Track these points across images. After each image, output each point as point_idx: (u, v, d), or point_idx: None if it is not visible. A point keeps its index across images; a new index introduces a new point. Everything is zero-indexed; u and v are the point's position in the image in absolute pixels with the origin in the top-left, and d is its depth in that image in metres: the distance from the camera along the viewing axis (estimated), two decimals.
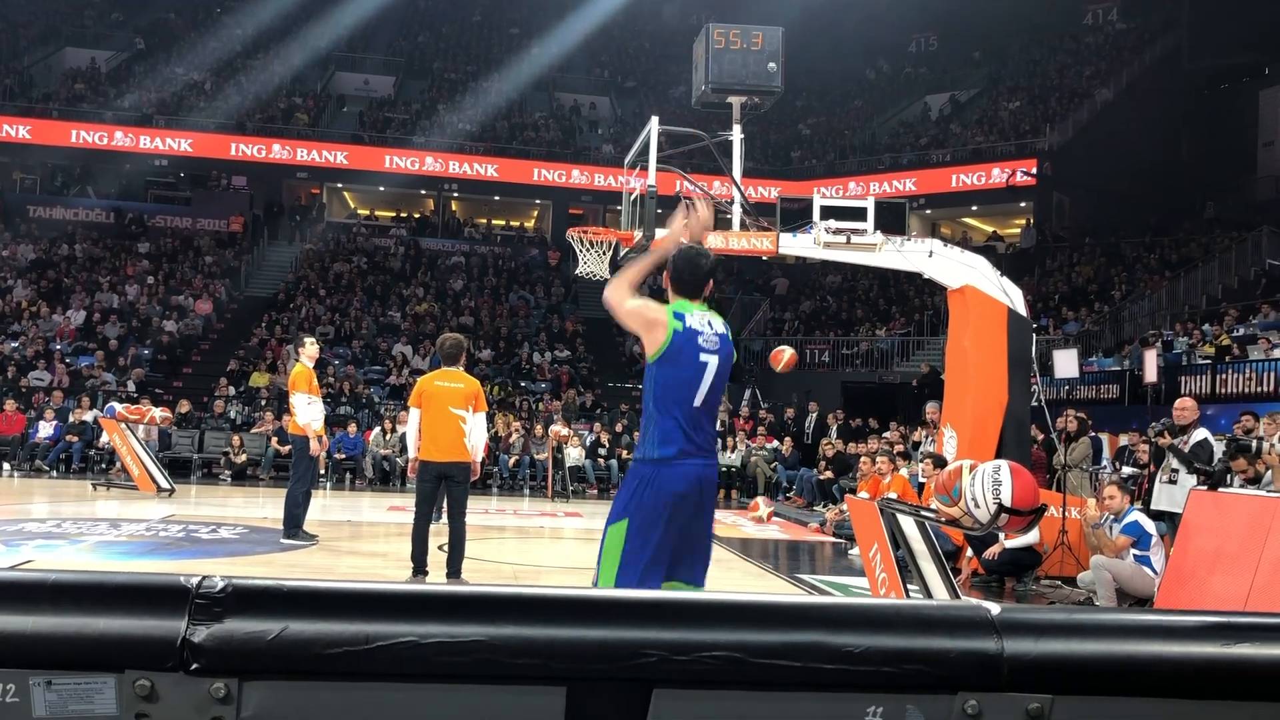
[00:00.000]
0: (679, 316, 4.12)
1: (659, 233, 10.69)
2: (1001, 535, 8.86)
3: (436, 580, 8.05)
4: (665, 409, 4.08)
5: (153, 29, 35.41)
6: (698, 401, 4.09)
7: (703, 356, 4.10)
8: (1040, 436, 13.01)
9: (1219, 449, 9.36)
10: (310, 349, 10.60)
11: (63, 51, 34.57)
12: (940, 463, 10.82)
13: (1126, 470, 12.39)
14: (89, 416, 18.61)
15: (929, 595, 5.99)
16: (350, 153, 31.52)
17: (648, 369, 4.18)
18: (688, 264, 4.21)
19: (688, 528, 4.11)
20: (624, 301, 4.11)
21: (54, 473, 17.89)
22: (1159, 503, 9.24)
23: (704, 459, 4.13)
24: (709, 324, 4.17)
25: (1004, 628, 1.77)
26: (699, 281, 4.21)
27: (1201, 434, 9.09)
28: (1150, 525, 8.29)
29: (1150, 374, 12.69)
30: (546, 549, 12.39)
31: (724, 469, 19.22)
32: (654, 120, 10.69)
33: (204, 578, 1.75)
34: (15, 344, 22.31)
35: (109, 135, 29.78)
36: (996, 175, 29.45)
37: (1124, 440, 14.11)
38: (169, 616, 1.69)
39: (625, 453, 19.77)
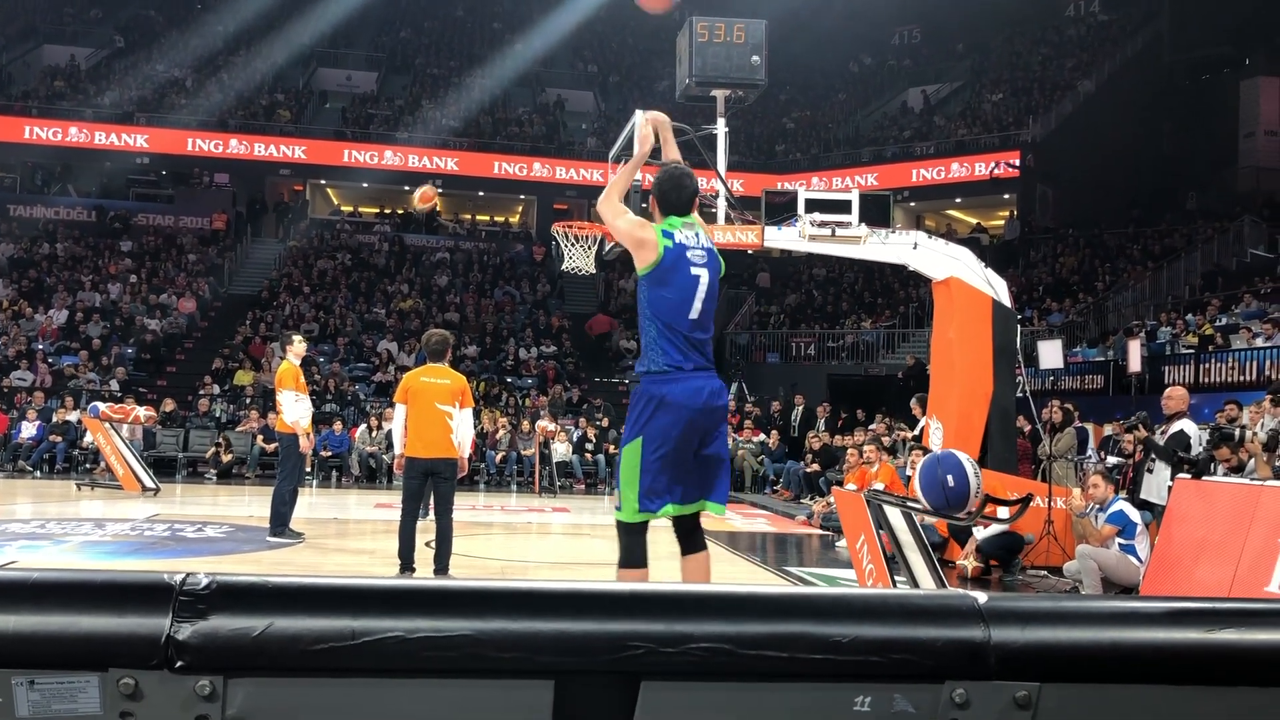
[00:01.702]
0: (668, 234, 4.22)
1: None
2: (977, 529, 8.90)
3: (424, 577, 8.04)
4: (662, 326, 4.16)
5: (133, 26, 35.18)
6: (693, 315, 4.17)
7: (694, 270, 4.19)
8: (1026, 427, 13.07)
9: (1202, 437, 9.41)
10: (298, 346, 10.57)
11: (41, 49, 34.30)
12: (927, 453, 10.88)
13: (1111, 460, 12.46)
14: (73, 416, 18.51)
15: (916, 586, 6.01)
16: (331, 149, 31.32)
17: (640, 285, 4.25)
18: (672, 182, 4.34)
19: (702, 443, 4.16)
20: (617, 218, 4.28)
21: (37, 473, 17.80)
22: (1145, 492, 9.30)
23: (706, 373, 4.20)
24: (697, 236, 4.27)
25: (991, 616, 1.77)
26: (685, 198, 4.32)
27: (1180, 425, 9.13)
28: (1135, 514, 8.34)
29: (1134, 364, 12.76)
30: (534, 545, 12.39)
31: None
32: (638, 113, 10.65)
33: (188, 574, 1.73)
34: None
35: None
36: (980, 168, 29.52)
37: (1109, 430, 14.19)
38: (153, 614, 1.68)
39: (612, 447, 19.77)
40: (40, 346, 22.30)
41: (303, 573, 8.52)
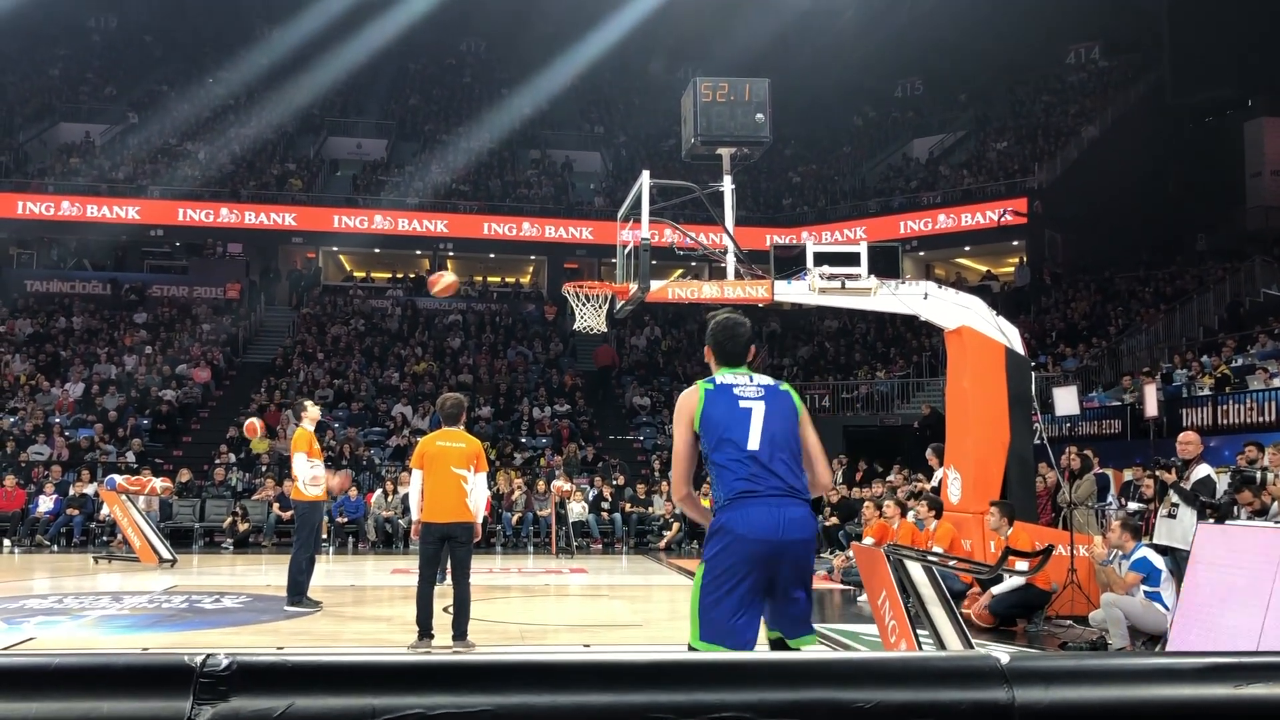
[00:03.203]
0: (710, 381, 4.17)
1: (654, 284, 10.76)
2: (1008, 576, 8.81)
3: (442, 643, 7.98)
4: (717, 457, 4.04)
5: (146, 102, 35.80)
6: (752, 445, 3.99)
7: (743, 404, 4.07)
8: (1048, 475, 12.98)
9: (1223, 483, 9.33)
10: (312, 412, 10.62)
11: (57, 127, 34.92)
12: (935, 504, 10.82)
13: (1132, 505, 12.34)
14: (89, 489, 18.54)
15: (940, 642, 5.94)
16: (322, 215, 31.52)
17: (702, 446, 4.13)
18: (727, 333, 4.27)
19: (775, 580, 3.94)
20: (680, 486, 4.22)
21: (55, 547, 17.80)
22: (1159, 536, 9.19)
23: (780, 499, 3.97)
24: (749, 379, 4.17)
25: (1014, 676, 1.75)
26: (739, 349, 4.25)
27: (1203, 470, 9.04)
28: (1159, 561, 8.25)
29: (1151, 408, 12.67)
30: (553, 607, 12.30)
31: None
32: (645, 174, 10.79)
33: (208, 655, 1.73)
34: (14, 419, 22.29)
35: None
36: (988, 215, 29.63)
37: (1128, 475, 14.07)
38: (173, 697, 1.67)
39: (628, 506, 19.69)
40: (57, 420, 22.41)
41: (321, 642, 8.42)
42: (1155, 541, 9.02)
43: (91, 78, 37.58)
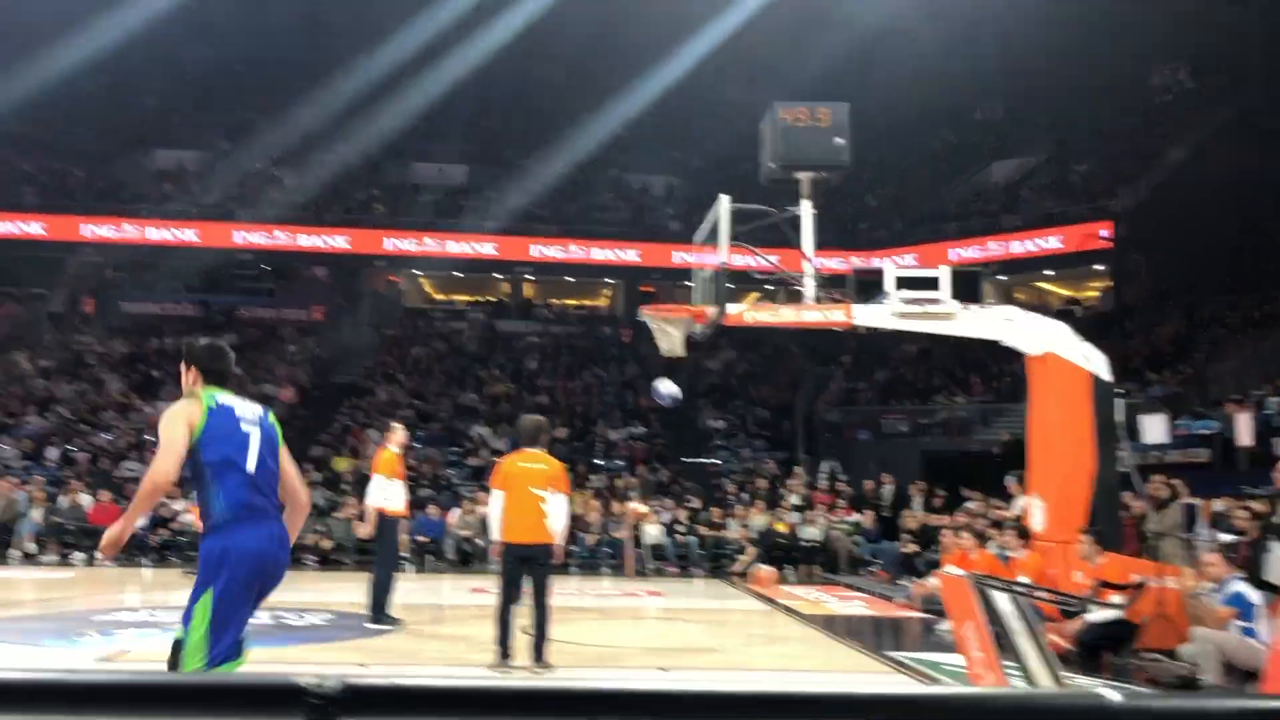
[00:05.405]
0: (210, 397, 4.30)
1: (730, 308, 10.77)
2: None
3: (521, 664, 8.03)
4: (222, 478, 4.16)
5: (237, 129, 36.79)
6: (250, 466, 4.20)
7: (244, 426, 4.26)
8: (1135, 505, 12.64)
9: None
10: (399, 435, 10.85)
11: (152, 154, 36.08)
12: (1025, 534, 10.61)
13: (1224, 537, 11.97)
14: (179, 505, 18.99)
15: (1027, 675, 5.82)
16: (371, 238, 32.17)
17: (192, 455, 4.21)
18: (214, 355, 4.44)
19: (262, 586, 4.27)
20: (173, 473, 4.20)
21: (146, 561, 18.28)
22: (1270, 575, 8.88)
23: (271, 520, 4.26)
24: (243, 402, 4.37)
25: (1124, 718, 1.71)
26: (228, 369, 4.45)
27: None
28: (1254, 594, 7.99)
29: (1244, 437, 12.28)
30: (630, 630, 12.29)
31: (806, 544, 18.90)
32: (723, 198, 10.81)
33: (319, 676, 1.76)
34: (109, 436, 22.98)
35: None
36: (1070, 239, 29.07)
37: (1218, 505, 13.65)
38: (283, 718, 1.70)
39: (704, 529, 19.61)
40: (149, 438, 23.06)
41: (402, 660, 8.49)
42: (1266, 578, 8.72)
43: (185, 106, 38.75)
